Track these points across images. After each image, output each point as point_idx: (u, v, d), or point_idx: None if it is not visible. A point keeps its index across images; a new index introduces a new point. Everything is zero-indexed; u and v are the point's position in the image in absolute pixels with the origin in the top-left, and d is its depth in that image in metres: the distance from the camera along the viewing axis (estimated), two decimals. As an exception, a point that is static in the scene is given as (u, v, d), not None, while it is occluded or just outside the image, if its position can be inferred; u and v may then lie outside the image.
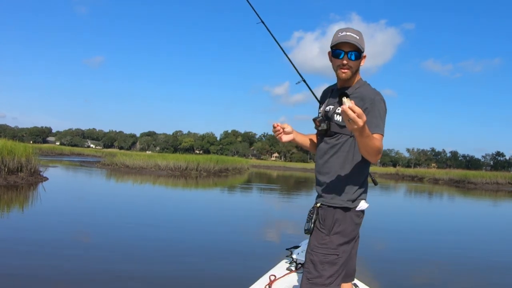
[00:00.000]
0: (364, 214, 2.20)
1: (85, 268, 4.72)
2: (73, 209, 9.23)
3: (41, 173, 14.92)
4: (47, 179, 14.60)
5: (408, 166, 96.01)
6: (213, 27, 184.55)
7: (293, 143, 2.41)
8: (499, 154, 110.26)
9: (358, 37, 2.08)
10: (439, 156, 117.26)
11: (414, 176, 47.04)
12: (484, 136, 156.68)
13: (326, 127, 2.15)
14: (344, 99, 1.73)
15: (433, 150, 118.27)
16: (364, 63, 2.18)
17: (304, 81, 2.34)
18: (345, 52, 2.08)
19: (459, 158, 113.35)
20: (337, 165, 2.14)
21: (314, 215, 2.16)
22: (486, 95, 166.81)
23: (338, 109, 2.12)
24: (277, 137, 2.31)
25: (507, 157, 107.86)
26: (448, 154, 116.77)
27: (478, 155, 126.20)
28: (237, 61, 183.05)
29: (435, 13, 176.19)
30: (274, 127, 2.28)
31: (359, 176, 2.15)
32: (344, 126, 2.06)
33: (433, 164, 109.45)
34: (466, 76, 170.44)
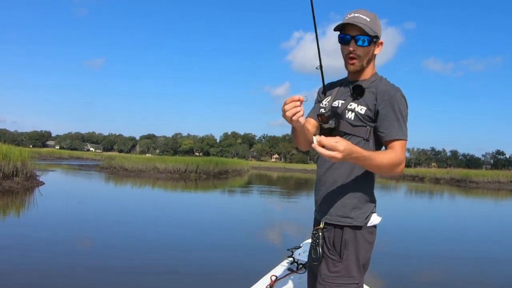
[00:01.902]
0: (376, 230, 1.83)
1: (83, 268, 4.61)
2: (70, 214, 9.07)
3: (37, 178, 14.73)
4: (44, 183, 14.40)
5: (409, 166, 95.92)
6: (212, 27, 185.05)
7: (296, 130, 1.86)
8: (499, 152, 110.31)
9: (369, 19, 1.75)
10: (439, 156, 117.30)
11: (415, 176, 46.94)
12: (484, 135, 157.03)
13: (335, 125, 1.73)
14: (314, 137, 1.51)
15: (433, 149, 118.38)
16: (379, 51, 1.84)
17: (321, 67, 1.89)
18: (351, 36, 1.76)
19: (459, 157, 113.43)
20: (344, 173, 1.78)
21: (320, 239, 1.79)
22: (487, 93, 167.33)
23: (351, 105, 1.79)
24: (293, 117, 1.58)
25: (507, 156, 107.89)
26: (448, 153, 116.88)
27: (478, 154, 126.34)
28: (237, 62, 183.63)
29: (435, 12, 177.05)
30: (295, 101, 1.57)
31: (369, 186, 1.81)
32: (357, 126, 1.77)
33: (433, 164, 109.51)
34: (467, 75, 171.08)
